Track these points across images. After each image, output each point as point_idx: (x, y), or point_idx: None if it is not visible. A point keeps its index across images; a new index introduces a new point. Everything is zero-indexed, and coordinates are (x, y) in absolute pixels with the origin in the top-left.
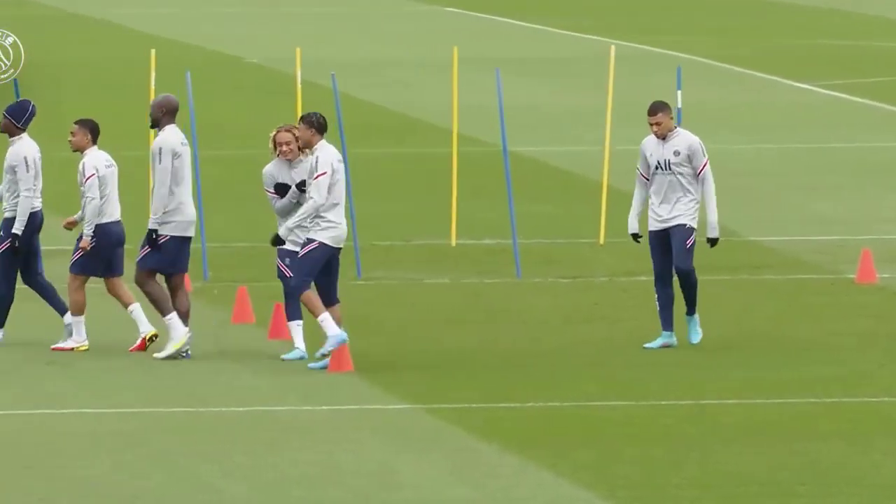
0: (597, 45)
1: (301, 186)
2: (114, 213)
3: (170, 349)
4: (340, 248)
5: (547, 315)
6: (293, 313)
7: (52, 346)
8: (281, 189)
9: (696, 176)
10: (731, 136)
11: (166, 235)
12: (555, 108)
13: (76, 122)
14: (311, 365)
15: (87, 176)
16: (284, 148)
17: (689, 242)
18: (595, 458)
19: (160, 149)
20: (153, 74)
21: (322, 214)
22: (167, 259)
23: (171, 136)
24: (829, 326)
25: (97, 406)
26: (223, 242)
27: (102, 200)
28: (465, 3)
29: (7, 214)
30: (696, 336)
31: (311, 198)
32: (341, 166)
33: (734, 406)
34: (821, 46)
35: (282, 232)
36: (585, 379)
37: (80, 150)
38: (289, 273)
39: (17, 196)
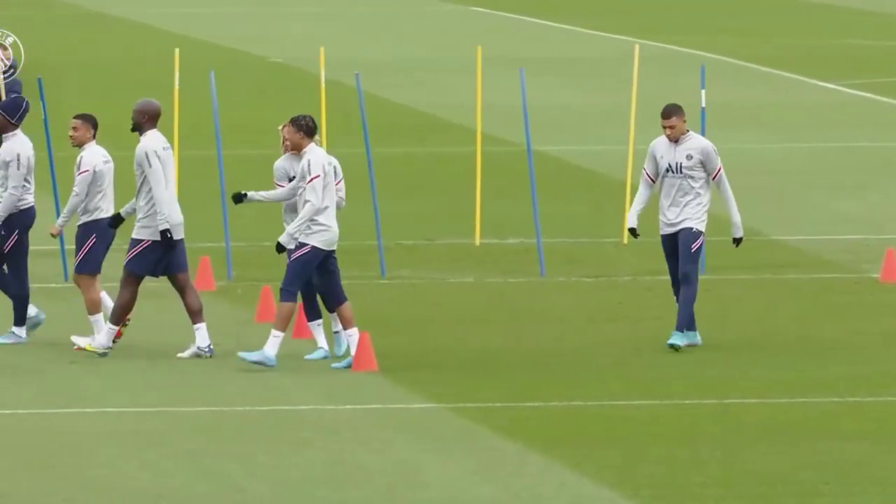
0: (621, 44)
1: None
2: (109, 209)
3: (87, 342)
4: (334, 251)
5: (570, 314)
6: (311, 313)
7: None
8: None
9: (712, 179)
10: (755, 135)
11: (147, 240)
12: (579, 107)
13: (77, 117)
14: (335, 365)
15: (81, 170)
16: (288, 143)
17: (695, 246)
18: (619, 457)
19: (145, 153)
20: (177, 74)
21: (313, 217)
22: (156, 263)
23: (153, 141)
24: (853, 326)
25: (121, 405)
26: (247, 242)
27: (99, 196)
28: (490, 2)
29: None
30: (678, 340)
31: (308, 201)
32: (332, 169)
33: (758, 405)
34: (847, 46)
35: (283, 238)
36: (609, 378)
37: (80, 144)
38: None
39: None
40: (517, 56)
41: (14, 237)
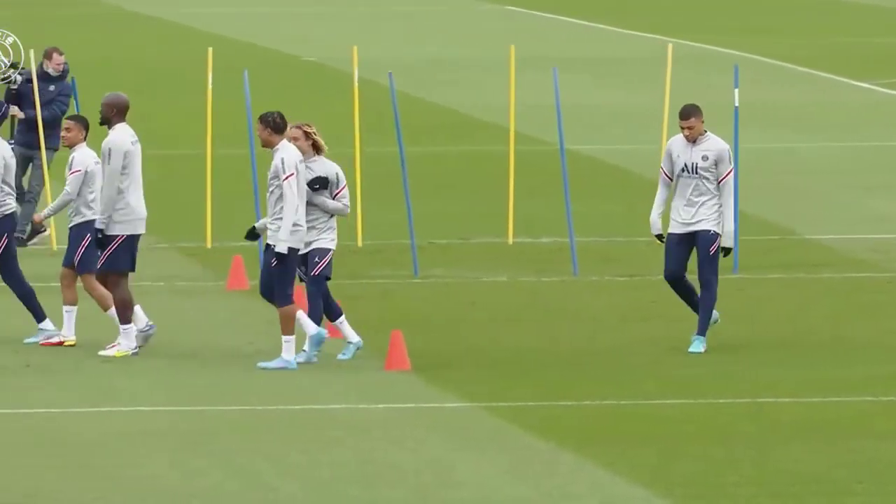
0: (655, 43)
1: (312, 185)
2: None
3: (111, 352)
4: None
5: (604, 313)
6: (331, 313)
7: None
8: (320, 182)
9: (718, 182)
10: (788, 134)
11: (121, 235)
12: (612, 106)
13: (70, 118)
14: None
15: (73, 170)
16: (293, 143)
17: (713, 249)
18: (652, 456)
19: (110, 149)
20: (210, 73)
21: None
22: (129, 257)
23: (121, 136)
24: (886, 325)
25: (154, 404)
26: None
27: (91, 197)
28: (525, 1)
29: None
30: (698, 347)
31: (287, 201)
32: (303, 167)
33: (791, 404)
34: (882, 45)
35: (280, 247)
36: (642, 377)
37: (73, 145)
38: (313, 271)
39: None
40: (551, 55)
41: (4, 240)
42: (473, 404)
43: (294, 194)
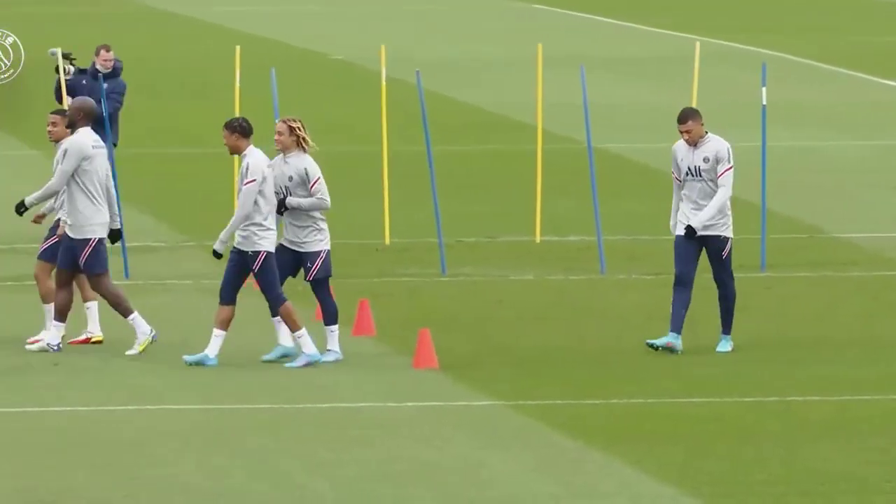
0: (683, 42)
1: (279, 210)
2: None
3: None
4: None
5: (631, 312)
6: (327, 317)
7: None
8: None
9: (717, 177)
10: (816, 133)
11: (93, 239)
12: (640, 104)
13: (55, 113)
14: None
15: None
16: (276, 137)
17: (725, 252)
18: (680, 454)
19: (66, 150)
20: (238, 72)
21: (261, 222)
22: (104, 258)
23: (83, 139)
24: None
25: (181, 403)
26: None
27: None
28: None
29: None
30: (725, 347)
31: (242, 204)
32: (271, 171)
33: (819, 403)
34: None
35: (217, 245)
36: (670, 375)
37: (58, 139)
38: (308, 276)
39: None
40: (578, 54)
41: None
42: (501, 402)
43: (248, 201)
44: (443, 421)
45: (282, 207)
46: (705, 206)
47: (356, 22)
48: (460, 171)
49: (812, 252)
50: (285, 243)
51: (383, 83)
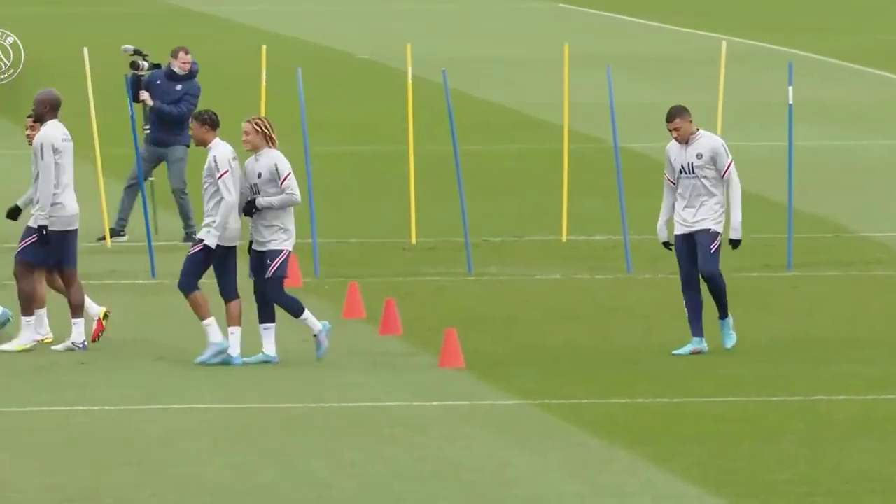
0: (709, 41)
1: (248, 212)
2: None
3: (12, 346)
4: (234, 247)
5: (657, 311)
6: (263, 316)
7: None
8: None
9: (722, 178)
10: (843, 132)
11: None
12: (666, 104)
13: (31, 116)
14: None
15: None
16: (244, 139)
17: (714, 246)
18: (705, 454)
19: (41, 144)
20: (264, 71)
21: (213, 214)
22: (53, 254)
23: (52, 132)
24: None
25: (208, 402)
26: (334, 238)
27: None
28: None
29: None
30: (731, 340)
31: (223, 198)
32: (236, 163)
33: (845, 402)
34: None
35: (209, 240)
36: (695, 375)
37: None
38: (266, 274)
39: None
40: (604, 53)
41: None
42: (527, 402)
43: (229, 191)
44: (468, 420)
45: (251, 209)
46: (699, 203)
47: (382, 21)
48: (486, 171)
49: (838, 251)
50: (255, 246)
51: (409, 82)
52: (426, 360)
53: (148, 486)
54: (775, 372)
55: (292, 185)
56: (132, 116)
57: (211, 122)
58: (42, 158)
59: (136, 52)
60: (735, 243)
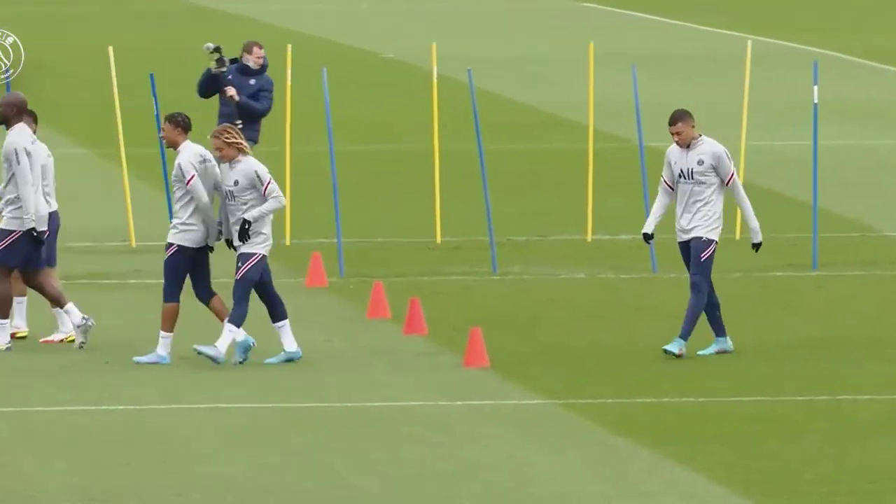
0: (734, 40)
1: (230, 245)
2: (52, 203)
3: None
4: (205, 248)
5: (682, 310)
6: (276, 314)
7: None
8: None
9: (725, 185)
10: (868, 131)
11: (17, 231)
12: (691, 103)
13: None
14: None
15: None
16: (217, 154)
17: (705, 255)
18: (729, 453)
19: (14, 150)
20: (289, 70)
21: (185, 219)
22: (22, 256)
23: (20, 137)
24: None
25: (232, 401)
26: (359, 238)
27: (46, 191)
28: None
29: None
30: (673, 347)
31: (197, 202)
32: (203, 167)
33: (869, 402)
34: None
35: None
36: (720, 374)
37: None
38: (236, 275)
39: None
40: (629, 52)
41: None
42: (551, 401)
43: (200, 193)
44: (492, 420)
45: (245, 233)
46: (695, 209)
47: (407, 20)
48: (511, 170)
49: (863, 251)
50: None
51: (434, 81)
52: (451, 360)
53: (172, 485)
54: (800, 371)
55: (276, 189)
56: (157, 116)
57: (183, 125)
58: (18, 163)
59: (217, 50)
60: (757, 246)
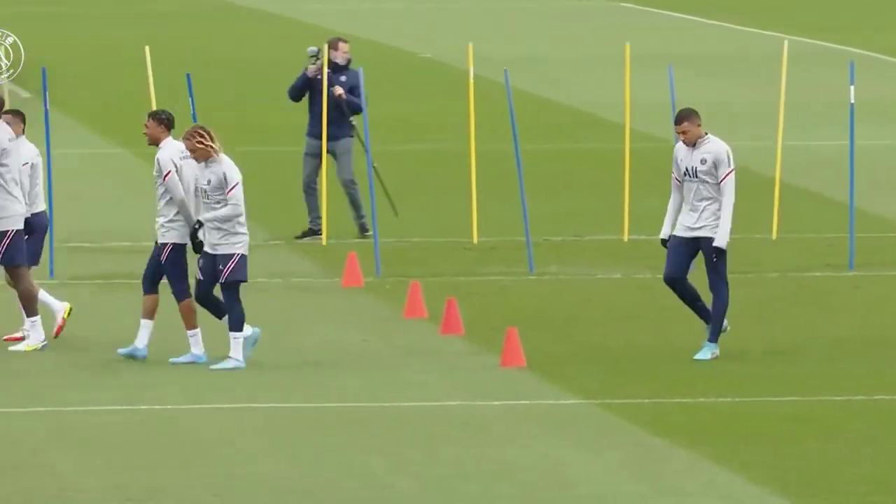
0: (770, 40)
1: (195, 250)
2: (40, 203)
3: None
4: (184, 245)
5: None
6: (220, 311)
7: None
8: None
9: (718, 184)
10: None
11: (9, 230)
12: (727, 103)
13: (6, 113)
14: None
15: (21, 164)
16: (191, 155)
17: (717, 257)
18: (767, 454)
19: None
20: (326, 69)
21: (167, 214)
22: (27, 251)
23: None
24: None
25: (270, 401)
26: (395, 237)
27: (36, 190)
28: None
29: None
30: (703, 355)
31: (170, 197)
32: (183, 163)
33: None
34: None
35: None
36: (757, 374)
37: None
38: (220, 279)
39: None
40: (666, 52)
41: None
42: (588, 401)
43: (178, 189)
44: (529, 420)
45: (196, 235)
46: (701, 207)
47: (444, 20)
48: (548, 170)
49: (893, 251)
50: (208, 248)
51: (471, 81)
52: (487, 360)
53: (209, 485)
54: (837, 371)
55: (237, 197)
56: (194, 116)
57: (167, 122)
58: None
59: (318, 54)
60: (719, 252)
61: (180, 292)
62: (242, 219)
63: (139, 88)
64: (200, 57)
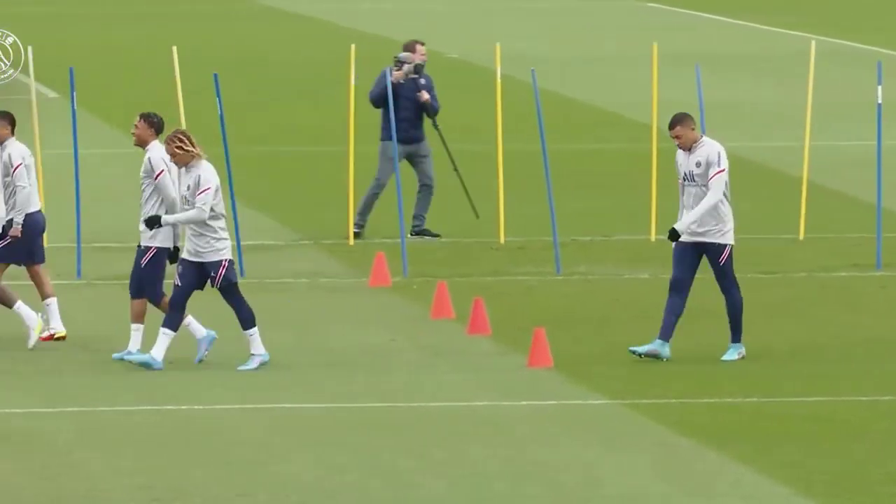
0: (797, 40)
1: (171, 259)
2: (36, 202)
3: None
4: (167, 249)
5: (746, 310)
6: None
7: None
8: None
9: (708, 180)
10: None
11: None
12: (755, 103)
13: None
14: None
15: (14, 165)
16: (173, 160)
17: (723, 259)
18: (793, 453)
19: None
20: (353, 70)
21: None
22: (12, 248)
23: None
24: None
25: (295, 401)
26: (423, 238)
27: (28, 190)
28: None
29: None
30: (731, 355)
31: (164, 196)
32: (172, 166)
33: None
34: None
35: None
36: (783, 374)
37: (1, 142)
38: (215, 285)
39: None
40: (693, 52)
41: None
42: (615, 401)
43: (170, 189)
44: (556, 420)
45: (155, 224)
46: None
47: (471, 20)
48: (575, 170)
49: None
50: (187, 256)
51: (498, 81)
52: (515, 360)
53: (235, 485)
54: (863, 371)
55: (205, 201)
56: (221, 117)
57: (157, 126)
58: None
59: (406, 60)
60: (672, 234)
61: (156, 295)
62: (222, 223)
63: (166, 88)
64: (227, 56)
